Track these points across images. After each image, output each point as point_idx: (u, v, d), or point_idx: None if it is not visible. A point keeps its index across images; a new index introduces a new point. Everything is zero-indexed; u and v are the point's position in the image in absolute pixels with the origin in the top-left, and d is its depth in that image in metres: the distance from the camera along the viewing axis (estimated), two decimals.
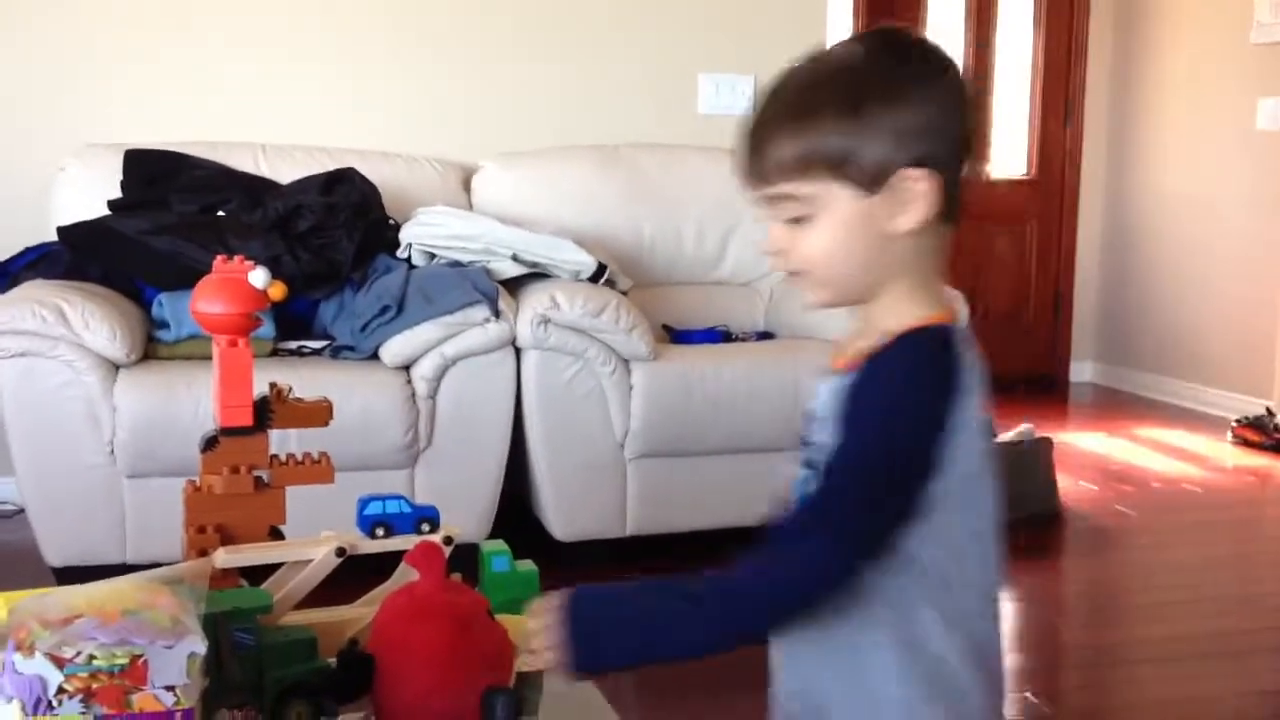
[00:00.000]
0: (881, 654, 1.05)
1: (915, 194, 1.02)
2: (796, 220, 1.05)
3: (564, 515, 3.08)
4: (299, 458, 1.47)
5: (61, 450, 2.85)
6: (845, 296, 1.08)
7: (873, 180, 1.02)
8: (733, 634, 1.01)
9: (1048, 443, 3.69)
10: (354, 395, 2.85)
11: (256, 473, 1.42)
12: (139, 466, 2.84)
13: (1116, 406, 5.42)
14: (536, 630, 1.04)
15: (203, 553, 1.43)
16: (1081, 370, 5.90)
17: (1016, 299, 5.81)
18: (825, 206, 1.03)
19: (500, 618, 1.29)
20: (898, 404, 1.00)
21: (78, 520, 2.88)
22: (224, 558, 1.38)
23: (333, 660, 1.26)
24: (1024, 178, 5.80)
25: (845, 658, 1.07)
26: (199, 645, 1.07)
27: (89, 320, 2.80)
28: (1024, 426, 3.72)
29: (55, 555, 2.89)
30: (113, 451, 2.84)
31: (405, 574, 1.38)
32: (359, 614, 1.41)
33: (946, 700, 1.06)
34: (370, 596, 1.44)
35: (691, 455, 3.12)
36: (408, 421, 2.94)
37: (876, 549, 1.01)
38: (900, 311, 1.05)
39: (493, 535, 2.80)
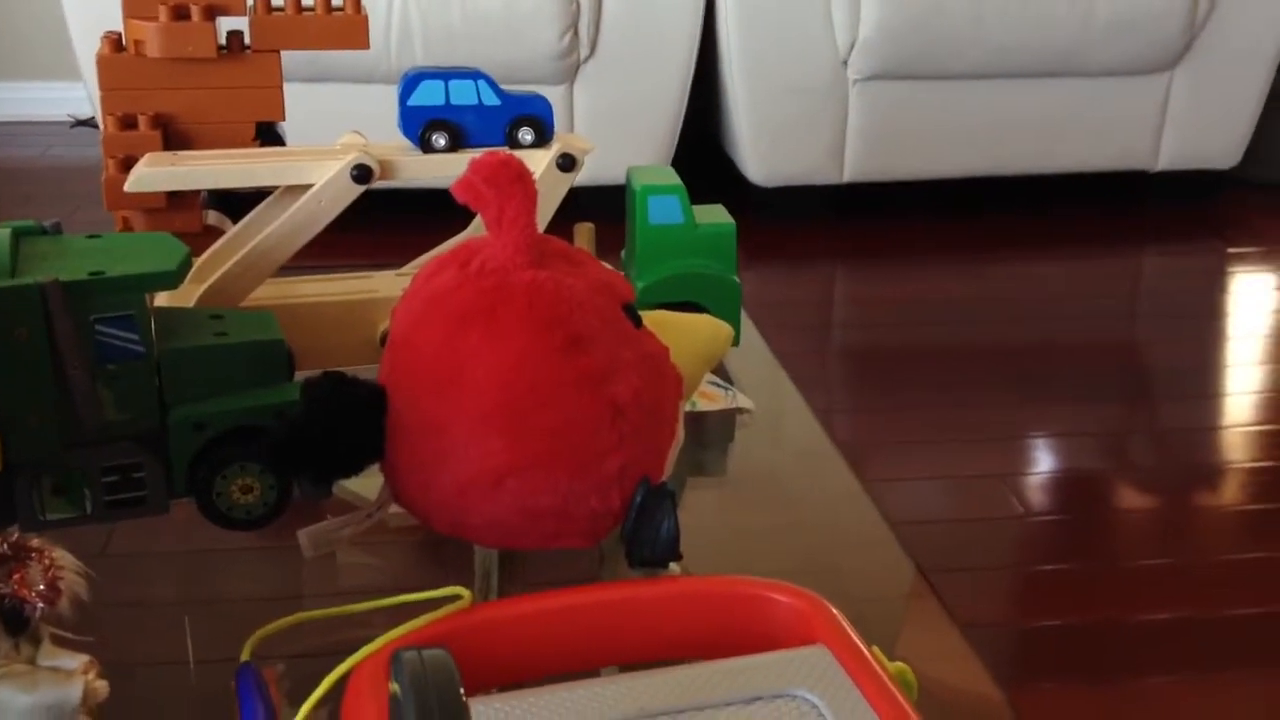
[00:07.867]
0: None
1: None
2: None
3: (764, 153, 2.57)
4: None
5: None
6: None
7: None
8: None
9: None
10: None
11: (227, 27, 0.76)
12: None
13: None
14: None
15: (125, 165, 0.79)
16: None
17: None
18: None
19: (657, 319, 0.62)
20: None
21: None
22: (142, 173, 0.73)
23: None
24: None
25: None
26: None
27: None
28: None
29: None
30: None
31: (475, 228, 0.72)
32: (382, 291, 0.76)
33: None
34: (416, 264, 0.79)
35: (938, 79, 2.55)
36: (565, 20, 2.35)
37: None
38: None
39: None
